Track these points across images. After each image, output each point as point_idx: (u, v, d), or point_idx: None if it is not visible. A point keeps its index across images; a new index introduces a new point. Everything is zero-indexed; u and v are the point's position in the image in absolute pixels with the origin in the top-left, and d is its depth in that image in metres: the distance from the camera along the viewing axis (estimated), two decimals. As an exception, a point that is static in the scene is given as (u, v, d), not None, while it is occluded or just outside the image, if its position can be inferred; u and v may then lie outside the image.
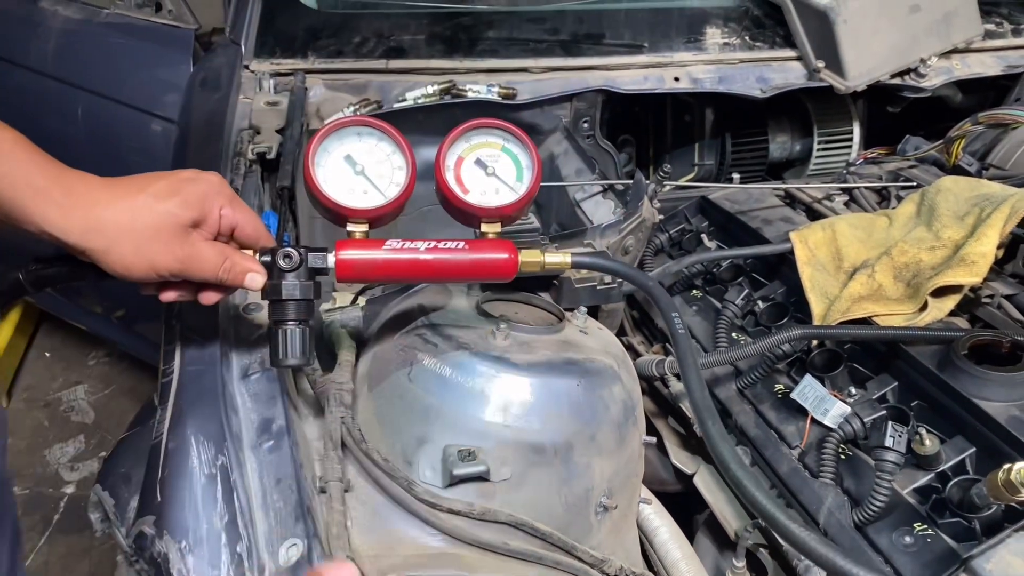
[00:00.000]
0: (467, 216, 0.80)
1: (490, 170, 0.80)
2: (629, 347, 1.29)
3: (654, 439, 0.96)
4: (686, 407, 1.14)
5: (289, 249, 0.74)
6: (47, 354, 2.89)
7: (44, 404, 2.66)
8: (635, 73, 1.38)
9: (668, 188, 1.43)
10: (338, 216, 0.77)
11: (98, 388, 2.73)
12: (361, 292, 0.99)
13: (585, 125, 1.45)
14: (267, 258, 0.75)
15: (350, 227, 0.77)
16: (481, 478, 0.76)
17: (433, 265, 0.76)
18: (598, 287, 0.97)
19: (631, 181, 1.19)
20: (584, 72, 1.38)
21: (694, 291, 1.31)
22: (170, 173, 0.71)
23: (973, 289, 1.06)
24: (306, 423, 0.85)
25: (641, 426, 0.91)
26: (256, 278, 0.73)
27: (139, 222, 0.67)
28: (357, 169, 0.78)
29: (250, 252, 0.75)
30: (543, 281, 0.97)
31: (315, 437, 0.83)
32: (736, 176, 1.50)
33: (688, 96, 1.56)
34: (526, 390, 0.80)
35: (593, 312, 1.11)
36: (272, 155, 1.18)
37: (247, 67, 1.43)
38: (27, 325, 2.88)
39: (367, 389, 0.86)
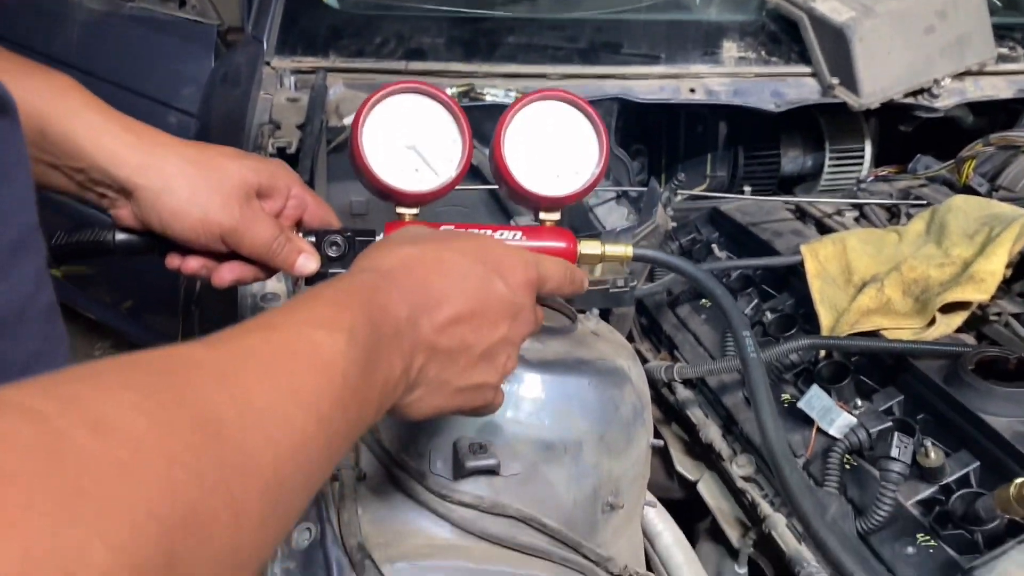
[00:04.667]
0: (527, 202, 0.75)
1: (553, 151, 0.73)
2: (636, 353, 1.30)
3: (661, 442, 0.97)
4: (692, 414, 1.15)
5: (336, 236, 0.70)
6: (53, 343, 2.89)
7: (49, 393, 2.66)
8: (651, 83, 1.40)
9: (681, 198, 1.45)
10: (388, 197, 0.72)
11: (102, 379, 2.73)
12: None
13: (600, 132, 1.46)
14: (311, 239, 0.70)
15: (400, 209, 0.72)
16: (491, 472, 0.77)
17: None
18: (611, 290, 0.98)
19: (645, 188, 1.20)
20: (601, 80, 1.40)
21: (703, 300, 1.32)
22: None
23: (981, 307, 1.07)
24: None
25: (649, 428, 0.92)
26: (309, 262, 0.69)
27: (203, 170, 0.63)
28: (408, 143, 0.72)
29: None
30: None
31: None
32: (747, 189, 1.52)
33: (702, 108, 1.57)
34: (538, 387, 0.81)
35: (604, 316, 1.13)
36: (292, 150, 1.19)
37: (268, 64, 1.44)
38: (34, 313, 2.89)
39: (381, 381, 0.87)
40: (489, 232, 0.72)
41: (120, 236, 0.67)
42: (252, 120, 1.27)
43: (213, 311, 0.88)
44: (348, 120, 1.38)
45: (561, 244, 0.74)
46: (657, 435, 1.17)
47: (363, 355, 0.43)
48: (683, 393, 1.19)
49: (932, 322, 1.03)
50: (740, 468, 1.05)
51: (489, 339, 0.55)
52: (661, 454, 1.17)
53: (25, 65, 0.61)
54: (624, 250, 0.76)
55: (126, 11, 1.68)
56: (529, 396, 0.80)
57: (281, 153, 1.19)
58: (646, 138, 1.68)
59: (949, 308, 1.04)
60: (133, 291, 2.24)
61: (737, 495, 1.04)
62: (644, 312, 1.39)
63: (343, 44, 1.44)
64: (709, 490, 1.10)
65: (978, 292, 1.01)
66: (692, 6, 1.60)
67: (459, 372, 0.54)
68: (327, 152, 1.36)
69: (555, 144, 0.74)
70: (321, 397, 0.39)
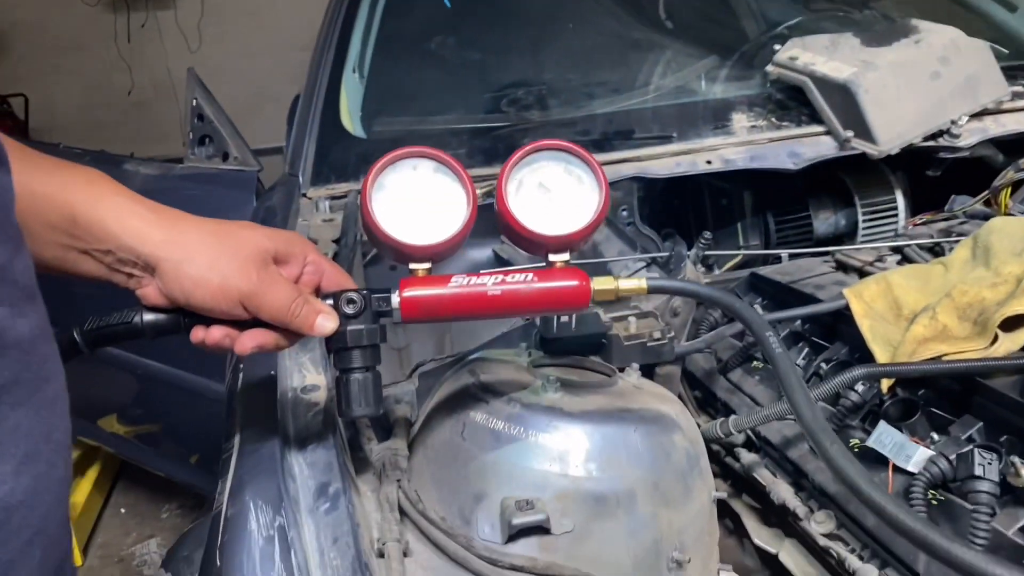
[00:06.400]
0: (534, 245, 0.76)
1: (554, 195, 0.76)
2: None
3: (724, 493, 0.91)
4: (759, 475, 1.08)
5: (352, 293, 0.72)
6: (122, 510, 2.93)
7: (118, 560, 2.67)
8: (667, 161, 1.43)
9: (719, 270, 1.43)
10: (400, 254, 0.75)
11: (170, 540, 2.73)
12: (415, 369, 1.00)
13: (624, 213, 1.49)
14: (329, 302, 0.72)
15: (412, 265, 0.74)
16: (542, 529, 0.73)
17: (502, 299, 0.72)
18: (648, 344, 0.96)
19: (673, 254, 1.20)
20: (617, 165, 1.44)
21: (755, 363, 1.28)
22: None
23: (1046, 321, 1.01)
24: (363, 498, 0.84)
25: (708, 480, 0.87)
26: (327, 321, 0.70)
27: (221, 240, 0.66)
28: (416, 203, 0.75)
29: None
30: (593, 344, 0.97)
31: (372, 508, 0.82)
32: (784, 253, 1.50)
33: (724, 181, 1.59)
34: (581, 438, 0.78)
35: (649, 376, 1.10)
36: (328, 261, 1.24)
37: (305, 195, 1.53)
38: (104, 482, 2.95)
39: (422, 455, 0.85)
40: (500, 277, 0.73)
41: (147, 316, 0.69)
42: (290, 242, 1.33)
43: (254, 408, 0.89)
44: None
45: (573, 282, 0.73)
46: (727, 509, 1.10)
47: None
48: (747, 457, 1.12)
49: (995, 341, 0.97)
50: (819, 525, 0.97)
51: None
52: (735, 528, 1.09)
53: (57, 162, 0.66)
54: (638, 283, 0.75)
55: (177, 172, 1.82)
56: (573, 448, 0.78)
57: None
58: (674, 221, 1.70)
59: (1011, 326, 0.99)
60: (201, 444, 2.27)
61: (821, 556, 0.96)
62: (696, 384, 1.34)
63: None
64: (792, 559, 1.01)
65: (1037, 303, 0.96)
66: (698, 89, 1.66)
67: None
68: (363, 265, 1.40)
69: (554, 187, 0.76)
70: None
